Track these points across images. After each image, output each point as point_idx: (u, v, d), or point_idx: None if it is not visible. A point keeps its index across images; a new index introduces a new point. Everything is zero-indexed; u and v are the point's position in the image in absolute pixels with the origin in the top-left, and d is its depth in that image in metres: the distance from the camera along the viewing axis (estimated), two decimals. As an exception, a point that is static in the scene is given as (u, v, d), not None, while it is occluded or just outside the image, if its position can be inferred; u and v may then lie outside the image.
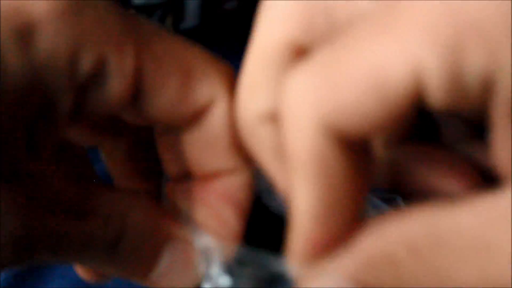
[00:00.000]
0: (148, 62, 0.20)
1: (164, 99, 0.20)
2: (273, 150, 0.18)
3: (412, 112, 0.14)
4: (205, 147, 0.21)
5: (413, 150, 0.19)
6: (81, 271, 0.25)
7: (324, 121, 0.13)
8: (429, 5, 0.12)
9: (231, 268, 0.20)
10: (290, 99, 0.15)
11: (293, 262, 0.17)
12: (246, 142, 0.20)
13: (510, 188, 0.13)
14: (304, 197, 0.14)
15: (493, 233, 0.12)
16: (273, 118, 0.18)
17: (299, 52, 0.18)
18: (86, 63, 0.18)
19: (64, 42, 0.17)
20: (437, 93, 0.13)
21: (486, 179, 0.18)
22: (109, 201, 0.20)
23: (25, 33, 0.16)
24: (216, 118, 0.21)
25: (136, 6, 0.74)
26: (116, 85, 0.19)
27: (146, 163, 0.25)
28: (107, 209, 0.20)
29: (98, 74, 0.18)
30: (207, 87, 0.21)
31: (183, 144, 0.21)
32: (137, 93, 0.20)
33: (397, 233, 0.14)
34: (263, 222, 0.23)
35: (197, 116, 0.21)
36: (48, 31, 0.17)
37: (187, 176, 0.22)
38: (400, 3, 0.13)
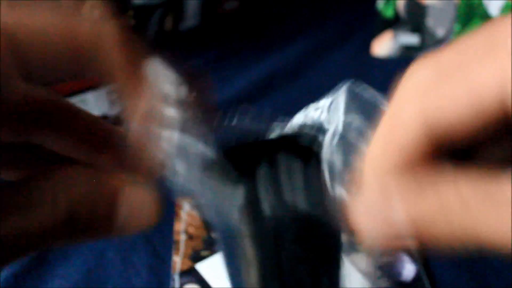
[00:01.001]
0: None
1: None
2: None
3: (498, 124, 0.16)
4: None
5: None
6: None
7: (427, 120, 0.17)
8: None
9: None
10: (404, 91, 0.18)
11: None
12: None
13: None
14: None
15: None
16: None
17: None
18: None
19: None
20: None
21: None
22: (50, 185, 0.21)
23: None
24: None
25: (136, 6, 0.74)
26: None
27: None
28: (50, 194, 0.20)
29: None
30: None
31: None
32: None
33: (454, 190, 0.16)
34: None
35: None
36: None
37: None
38: (498, 32, 0.16)
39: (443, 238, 0.17)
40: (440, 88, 0.17)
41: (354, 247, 0.21)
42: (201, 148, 0.21)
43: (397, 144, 0.18)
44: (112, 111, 0.57)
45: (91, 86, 0.55)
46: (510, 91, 0.15)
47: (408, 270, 0.48)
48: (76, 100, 0.54)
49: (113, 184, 0.21)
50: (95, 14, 0.23)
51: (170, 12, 0.80)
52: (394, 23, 0.73)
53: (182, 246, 0.43)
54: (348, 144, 0.22)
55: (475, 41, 0.17)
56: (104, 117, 0.57)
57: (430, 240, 0.17)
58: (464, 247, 0.17)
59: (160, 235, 0.45)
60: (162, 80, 0.21)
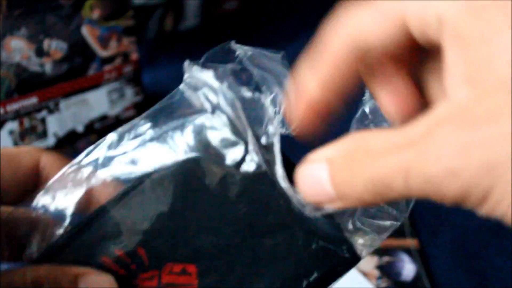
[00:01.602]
0: None
1: None
2: None
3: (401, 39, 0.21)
4: None
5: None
6: None
7: (354, 38, 0.22)
8: None
9: None
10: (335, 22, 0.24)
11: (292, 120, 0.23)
12: None
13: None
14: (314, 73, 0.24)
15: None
16: None
17: None
18: None
19: None
20: (415, 29, 0.20)
21: None
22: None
23: None
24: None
25: (136, 6, 0.74)
26: None
27: None
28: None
29: None
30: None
31: None
32: None
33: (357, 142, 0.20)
34: None
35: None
36: None
37: None
38: None
39: (358, 191, 0.20)
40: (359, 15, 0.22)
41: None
42: None
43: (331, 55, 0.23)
44: (112, 111, 0.57)
45: (91, 86, 0.55)
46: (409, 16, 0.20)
47: (408, 270, 0.48)
48: (76, 100, 0.54)
49: (71, 273, 0.24)
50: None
51: (170, 12, 0.80)
52: (394, 23, 0.73)
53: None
54: None
55: None
56: (104, 117, 0.57)
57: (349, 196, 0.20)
58: (376, 200, 0.20)
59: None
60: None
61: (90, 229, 0.24)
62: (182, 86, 0.25)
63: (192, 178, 0.24)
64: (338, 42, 0.23)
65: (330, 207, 0.21)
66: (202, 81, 0.24)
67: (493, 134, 0.17)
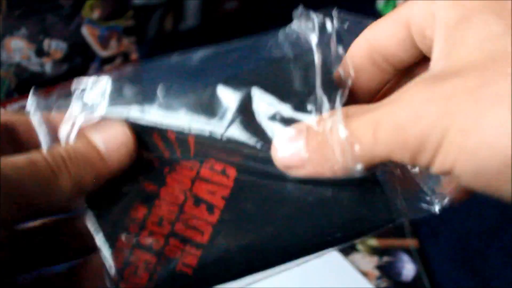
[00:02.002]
0: None
1: None
2: None
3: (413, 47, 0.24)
4: None
5: None
6: None
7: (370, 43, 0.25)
8: None
9: None
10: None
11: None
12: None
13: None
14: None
15: None
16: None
17: None
18: None
19: None
20: (416, 33, 0.23)
21: None
22: (91, 274, 0.26)
23: None
24: None
25: (136, 6, 0.74)
26: None
27: None
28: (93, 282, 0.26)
29: None
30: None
31: None
32: None
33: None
34: None
35: None
36: None
37: None
38: None
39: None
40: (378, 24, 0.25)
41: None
42: None
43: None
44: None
45: (91, 86, 0.55)
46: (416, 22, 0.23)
47: (408, 270, 0.48)
48: (76, 100, 0.54)
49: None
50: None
51: (170, 12, 0.80)
52: (394, 23, 0.73)
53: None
54: None
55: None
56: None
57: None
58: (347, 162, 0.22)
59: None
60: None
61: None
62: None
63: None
64: (357, 46, 0.25)
65: (298, 173, 0.23)
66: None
67: (455, 87, 0.19)
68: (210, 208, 0.24)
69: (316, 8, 0.28)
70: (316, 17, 0.26)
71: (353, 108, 0.22)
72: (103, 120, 0.25)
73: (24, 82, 0.50)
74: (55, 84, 0.52)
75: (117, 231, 0.24)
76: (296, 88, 0.25)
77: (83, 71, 0.54)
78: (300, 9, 0.26)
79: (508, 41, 0.20)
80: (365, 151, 0.21)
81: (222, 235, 0.24)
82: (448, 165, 0.20)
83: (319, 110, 0.24)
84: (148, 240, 0.24)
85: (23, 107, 0.49)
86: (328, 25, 0.26)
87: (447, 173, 0.20)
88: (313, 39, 0.25)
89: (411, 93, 0.20)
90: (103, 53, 0.54)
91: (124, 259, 0.24)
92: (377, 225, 0.24)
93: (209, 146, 0.25)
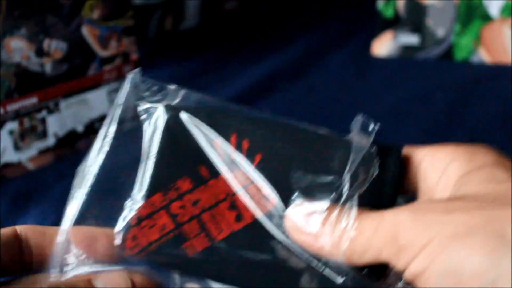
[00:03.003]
0: None
1: None
2: None
3: None
4: None
5: None
6: None
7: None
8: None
9: None
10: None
11: None
12: None
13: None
14: None
15: None
16: None
17: None
18: None
19: None
20: None
21: None
22: None
23: None
24: None
25: (136, 6, 0.74)
26: None
27: None
28: None
29: None
30: None
31: None
32: None
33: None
34: None
35: None
36: None
37: None
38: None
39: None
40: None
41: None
42: None
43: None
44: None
45: (91, 86, 0.55)
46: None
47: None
48: (76, 100, 0.54)
49: None
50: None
51: (170, 12, 0.80)
52: (394, 23, 0.73)
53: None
54: None
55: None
56: (104, 117, 0.57)
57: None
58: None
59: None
60: None
61: None
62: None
63: None
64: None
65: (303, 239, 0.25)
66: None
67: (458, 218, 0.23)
68: (239, 217, 0.27)
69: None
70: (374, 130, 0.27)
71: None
72: (108, 271, 0.27)
73: (24, 82, 0.50)
74: (55, 84, 0.52)
75: (159, 187, 0.27)
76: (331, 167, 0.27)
77: (83, 71, 0.54)
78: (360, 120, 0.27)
79: (508, 186, 0.23)
80: (363, 240, 0.24)
81: (233, 245, 0.27)
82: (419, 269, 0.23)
83: (338, 194, 0.26)
84: (177, 210, 0.27)
85: (24, 106, 0.49)
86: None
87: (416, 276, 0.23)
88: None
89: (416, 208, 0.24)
90: (103, 53, 0.54)
91: (149, 213, 0.27)
92: None
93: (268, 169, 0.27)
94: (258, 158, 0.27)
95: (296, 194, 0.26)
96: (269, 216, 0.26)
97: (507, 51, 0.69)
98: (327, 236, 0.24)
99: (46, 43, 0.50)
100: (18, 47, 0.48)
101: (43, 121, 0.52)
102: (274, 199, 0.27)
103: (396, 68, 0.71)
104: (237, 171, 0.27)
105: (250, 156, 0.27)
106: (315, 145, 0.27)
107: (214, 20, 0.85)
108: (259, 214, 0.27)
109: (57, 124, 0.53)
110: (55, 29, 0.50)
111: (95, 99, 0.55)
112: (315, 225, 0.25)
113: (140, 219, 0.27)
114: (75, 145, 0.55)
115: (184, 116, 0.28)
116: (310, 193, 0.26)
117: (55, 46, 0.51)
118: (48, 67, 0.51)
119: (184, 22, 0.82)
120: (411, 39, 0.73)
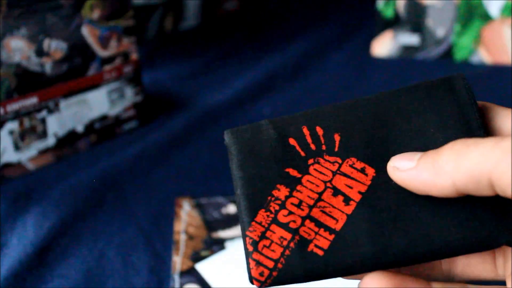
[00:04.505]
0: None
1: None
2: None
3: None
4: None
5: None
6: None
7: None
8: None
9: None
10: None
11: None
12: None
13: None
14: None
15: None
16: None
17: None
18: None
19: None
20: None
21: None
22: None
23: None
24: None
25: (136, 6, 0.74)
26: None
27: None
28: None
29: None
30: None
31: None
32: None
33: None
34: None
35: None
36: None
37: None
38: None
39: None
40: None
41: None
42: None
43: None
44: (112, 111, 0.57)
45: (91, 86, 0.55)
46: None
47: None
48: (76, 100, 0.54)
49: None
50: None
51: (170, 12, 0.80)
52: (394, 23, 0.73)
53: (182, 246, 0.43)
54: None
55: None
56: (104, 117, 0.57)
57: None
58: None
59: (160, 235, 0.45)
60: None
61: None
62: None
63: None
64: None
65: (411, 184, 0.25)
66: None
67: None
68: (347, 200, 0.27)
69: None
70: None
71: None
72: None
73: (24, 82, 0.50)
74: (55, 84, 0.52)
75: (259, 205, 0.27)
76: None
77: (83, 71, 0.54)
78: None
79: None
80: (480, 155, 0.22)
81: (355, 226, 0.26)
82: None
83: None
84: (286, 219, 0.26)
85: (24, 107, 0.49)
86: None
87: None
88: None
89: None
90: (103, 53, 0.54)
91: (261, 232, 0.26)
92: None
93: (353, 144, 0.27)
94: (337, 138, 0.27)
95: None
96: (374, 185, 0.26)
97: (507, 51, 0.69)
98: (428, 162, 0.24)
99: (46, 43, 0.50)
100: (18, 47, 0.48)
101: (43, 121, 0.52)
102: (370, 169, 0.27)
103: (396, 68, 0.71)
104: (323, 157, 0.27)
105: (329, 138, 0.27)
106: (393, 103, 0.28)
107: (214, 20, 0.85)
108: (363, 188, 0.27)
109: (57, 124, 0.53)
110: (55, 29, 0.50)
111: (95, 99, 0.55)
112: (415, 160, 0.24)
113: (255, 243, 0.26)
114: (75, 145, 0.55)
115: (247, 134, 0.28)
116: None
117: (55, 46, 0.51)
118: (48, 67, 0.51)
119: (184, 22, 0.82)
120: (411, 39, 0.73)
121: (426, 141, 0.27)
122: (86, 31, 0.52)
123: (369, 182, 0.27)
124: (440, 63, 0.71)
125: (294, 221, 0.26)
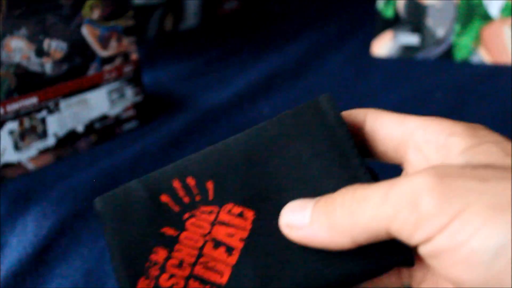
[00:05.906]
0: None
1: None
2: None
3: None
4: None
5: None
6: None
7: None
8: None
9: None
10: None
11: None
12: None
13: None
14: None
15: None
16: None
17: None
18: None
19: None
20: None
21: None
22: None
23: None
24: None
25: (136, 6, 0.74)
26: None
27: None
28: None
29: None
30: None
31: None
32: None
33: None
34: None
35: None
36: None
37: None
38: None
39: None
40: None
41: None
42: None
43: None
44: (112, 111, 0.57)
45: (91, 86, 0.55)
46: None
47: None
48: (76, 100, 0.54)
49: None
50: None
51: (170, 12, 0.80)
52: (394, 23, 0.73)
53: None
54: None
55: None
56: (104, 117, 0.57)
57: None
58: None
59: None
60: None
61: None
62: None
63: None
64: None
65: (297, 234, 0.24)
66: None
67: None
68: (229, 250, 0.25)
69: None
70: None
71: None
72: None
73: (24, 82, 0.50)
74: (55, 84, 0.52)
75: (137, 274, 0.25)
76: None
77: (83, 71, 0.54)
78: None
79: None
80: (368, 208, 0.22)
81: (241, 276, 0.25)
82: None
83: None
84: (168, 283, 0.25)
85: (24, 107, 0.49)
86: None
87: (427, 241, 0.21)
88: None
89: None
90: (103, 53, 0.54)
91: None
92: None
93: (227, 190, 0.26)
94: (210, 185, 0.26)
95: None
96: (256, 228, 0.25)
97: (507, 51, 0.69)
98: (323, 219, 0.23)
99: (46, 43, 0.50)
100: (18, 47, 0.48)
101: (43, 121, 0.52)
102: (249, 212, 0.25)
103: (396, 68, 0.71)
104: (198, 208, 0.26)
105: (202, 188, 0.26)
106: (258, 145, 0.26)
107: (214, 20, 0.85)
108: (245, 234, 0.25)
109: (57, 124, 0.53)
110: (55, 29, 0.50)
111: (95, 99, 0.55)
112: (307, 215, 0.23)
113: None
114: (75, 145, 0.55)
115: (118, 199, 0.26)
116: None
117: (55, 46, 0.51)
118: (48, 67, 0.51)
119: (184, 22, 0.82)
120: (411, 39, 0.73)
121: (303, 173, 0.26)
122: (86, 31, 0.52)
123: (249, 226, 0.25)
124: (440, 63, 0.72)
125: (177, 284, 0.25)
